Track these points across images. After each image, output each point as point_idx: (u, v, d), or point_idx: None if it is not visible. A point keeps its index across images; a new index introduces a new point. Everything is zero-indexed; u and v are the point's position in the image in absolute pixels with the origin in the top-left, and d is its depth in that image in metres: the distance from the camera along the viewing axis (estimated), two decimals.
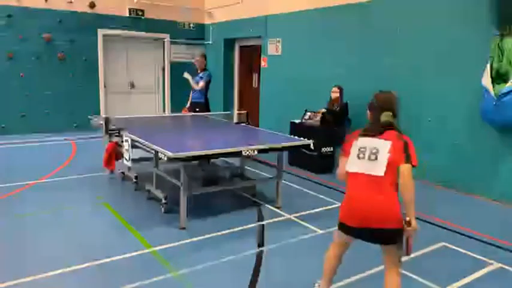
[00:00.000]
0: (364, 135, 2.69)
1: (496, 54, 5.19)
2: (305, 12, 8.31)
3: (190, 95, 7.96)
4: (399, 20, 6.59)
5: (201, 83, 7.63)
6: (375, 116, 2.73)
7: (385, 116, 2.68)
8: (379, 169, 2.53)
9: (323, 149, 6.75)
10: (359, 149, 2.64)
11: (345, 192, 2.71)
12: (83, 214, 4.70)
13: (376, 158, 2.56)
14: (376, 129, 2.66)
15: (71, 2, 9.53)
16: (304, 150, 5.65)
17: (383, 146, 2.57)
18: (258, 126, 8.02)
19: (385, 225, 2.50)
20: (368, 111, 2.82)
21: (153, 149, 4.35)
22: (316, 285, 3.04)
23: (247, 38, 10.24)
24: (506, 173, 5.42)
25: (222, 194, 5.11)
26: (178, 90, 11.23)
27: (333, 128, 6.84)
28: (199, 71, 7.85)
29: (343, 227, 2.68)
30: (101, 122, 5.78)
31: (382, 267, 2.78)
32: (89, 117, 6.56)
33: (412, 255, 3.75)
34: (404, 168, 2.50)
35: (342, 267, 2.90)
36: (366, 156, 2.59)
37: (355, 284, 3.30)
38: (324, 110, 6.96)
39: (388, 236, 2.54)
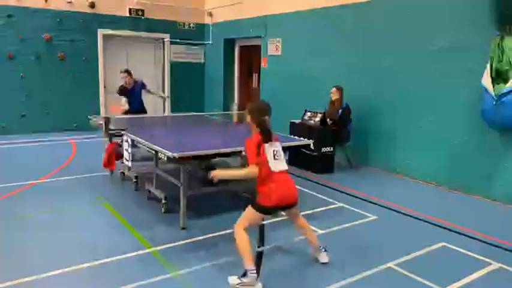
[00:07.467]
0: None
1: (496, 54, 5.19)
2: (305, 12, 8.31)
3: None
4: (399, 20, 6.60)
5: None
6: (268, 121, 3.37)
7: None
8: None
9: (323, 149, 6.75)
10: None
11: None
12: (83, 214, 4.70)
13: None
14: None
15: (70, 2, 9.54)
16: (304, 150, 5.64)
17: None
18: None
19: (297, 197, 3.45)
20: (267, 117, 3.34)
21: (153, 149, 4.35)
22: (249, 273, 3.12)
23: (247, 38, 10.24)
24: (506, 173, 5.41)
25: (222, 194, 5.11)
26: (178, 90, 11.29)
27: (333, 128, 6.85)
28: (129, 87, 7.52)
29: (273, 209, 3.30)
30: (101, 122, 5.78)
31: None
32: (89, 117, 6.55)
33: (412, 255, 3.80)
34: None
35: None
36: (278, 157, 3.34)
37: (353, 285, 3.30)
38: (322, 113, 6.90)
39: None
